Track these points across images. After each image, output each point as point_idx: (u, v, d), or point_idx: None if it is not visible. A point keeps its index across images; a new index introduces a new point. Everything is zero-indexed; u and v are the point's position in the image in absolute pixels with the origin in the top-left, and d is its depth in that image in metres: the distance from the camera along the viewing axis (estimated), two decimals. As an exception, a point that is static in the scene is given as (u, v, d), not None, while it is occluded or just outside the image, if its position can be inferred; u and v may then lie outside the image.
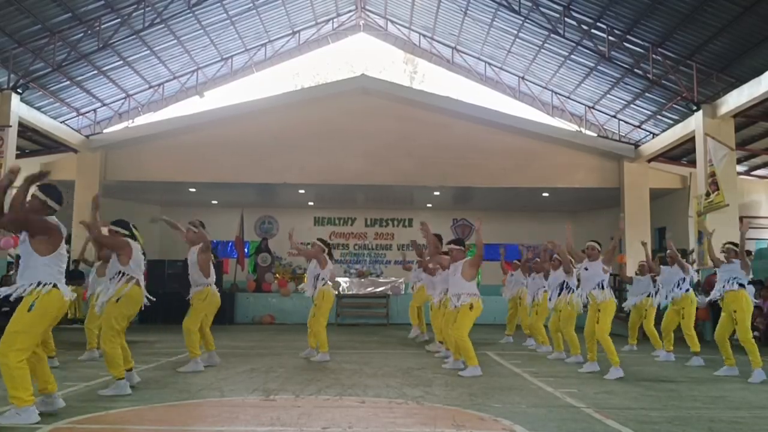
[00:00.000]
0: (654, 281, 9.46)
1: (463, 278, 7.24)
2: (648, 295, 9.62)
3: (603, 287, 7.23)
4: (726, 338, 7.30)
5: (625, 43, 13.71)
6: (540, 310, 9.72)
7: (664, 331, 8.97)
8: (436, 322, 9.31)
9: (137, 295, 5.76)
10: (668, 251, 9.02)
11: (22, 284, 4.46)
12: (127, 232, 5.90)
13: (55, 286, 4.49)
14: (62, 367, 7.17)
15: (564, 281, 8.54)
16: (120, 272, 5.71)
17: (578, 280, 8.12)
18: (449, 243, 7.82)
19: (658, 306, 9.36)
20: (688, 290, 8.73)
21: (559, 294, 8.55)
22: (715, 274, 10.98)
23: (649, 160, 15.65)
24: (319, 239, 8.66)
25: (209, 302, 7.35)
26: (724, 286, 7.20)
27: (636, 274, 10.13)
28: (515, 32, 16.05)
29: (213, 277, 7.43)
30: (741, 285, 7.10)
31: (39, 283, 4.43)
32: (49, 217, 4.62)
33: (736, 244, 7.36)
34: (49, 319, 4.55)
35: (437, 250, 8.56)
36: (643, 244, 9.65)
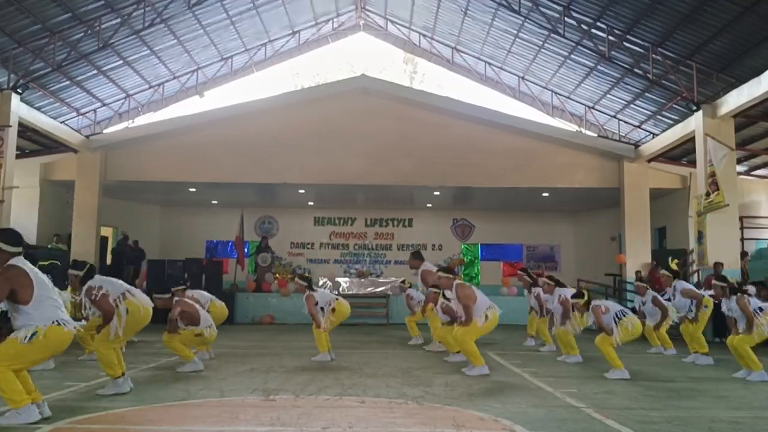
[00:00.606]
0: (660, 306, 9.41)
1: (466, 307, 7.17)
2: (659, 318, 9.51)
3: (619, 319, 7.20)
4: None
5: (625, 43, 13.71)
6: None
7: (684, 334, 8.89)
8: (436, 324, 9.37)
9: (135, 310, 5.71)
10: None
11: (24, 328, 4.37)
12: (81, 273, 5.82)
13: (55, 323, 4.42)
14: (62, 367, 7.17)
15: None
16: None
17: None
18: (438, 271, 7.84)
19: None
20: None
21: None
22: (713, 274, 11.04)
23: (649, 160, 15.65)
24: (298, 276, 8.59)
25: (200, 341, 7.53)
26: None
27: (636, 292, 10.06)
28: (515, 32, 16.06)
29: (207, 321, 7.53)
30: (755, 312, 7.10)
31: (37, 327, 4.35)
32: (14, 262, 4.45)
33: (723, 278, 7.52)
34: (47, 354, 4.52)
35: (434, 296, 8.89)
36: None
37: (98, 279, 5.82)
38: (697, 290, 8.95)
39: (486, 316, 7.11)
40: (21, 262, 4.49)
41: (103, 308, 5.63)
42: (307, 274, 8.74)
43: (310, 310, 8.09)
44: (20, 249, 4.56)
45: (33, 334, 4.32)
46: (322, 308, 8.17)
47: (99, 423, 4.44)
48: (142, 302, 5.82)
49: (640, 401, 5.48)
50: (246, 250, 17.60)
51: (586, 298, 7.59)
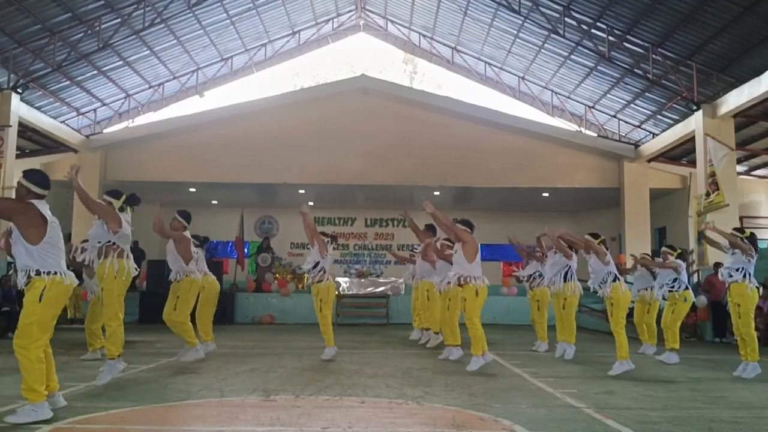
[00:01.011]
0: (654, 275, 9.38)
1: (465, 258, 7.31)
2: (648, 289, 9.49)
3: (607, 281, 7.27)
4: (751, 329, 7.22)
5: (625, 43, 13.72)
6: (541, 305, 9.60)
7: (663, 327, 8.91)
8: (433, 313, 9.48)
9: (128, 269, 5.92)
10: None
11: (22, 272, 4.46)
12: (118, 202, 6.05)
13: (56, 273, 4.48)
14: (62, 367, 7.15)
15: (567, 266, 8.52)
16: (111, 242, 5.86)
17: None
18: (456, 221, 7.92)
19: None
20: (682, 288, 8.63)
21: (564, 280, 8.52)
22: (713, 274, 11.02)
23: (649, 160, 15.66)
24: (321, 233, 8.64)
25: (194, 292, 7.53)
26: (730, 275, 7.10)
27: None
28: (515, 32, 16.06)
29: (195, 266, 7.53)
30: (745, 275, 7.02)
31: (39, 272, 4.41)
32: (36, 202, 4.55)
33: (739, 230, 7.36)
34: (58, 307, 4.56)
35: (427, 237, 9.18)
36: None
37: (125, 216, 6.03)
38: (680, 272, 8.85)
39: (476, 292, 7.19)
40: (41, 205, 4.57)
41: (99, 210, 5.85)
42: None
43: (312, 230, 8.26)
44: (45, 192, 4.67)
45: (42, 290, 4.37)
46: (322, 268, 8.14)
47: (99, 423, 4.44)
48: (128, 266, 5.97)
49: (640, 401, 5.48)
50: (246, 250, 17.60)
51: (602, 238, 7.63)
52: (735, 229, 7.48)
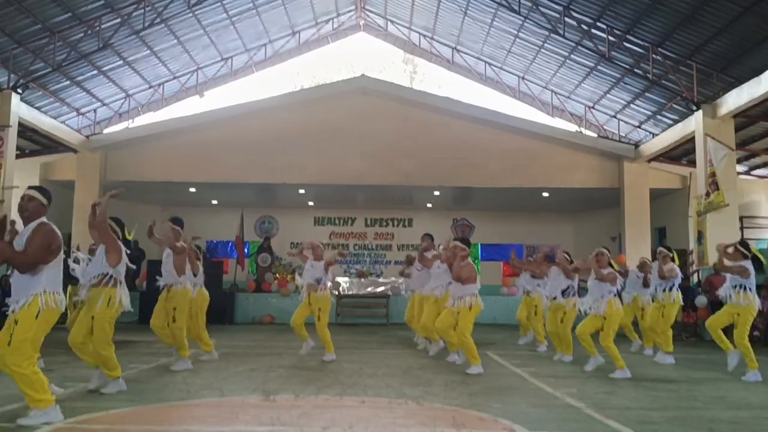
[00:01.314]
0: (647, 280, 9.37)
1: (460, 282, 7.26)
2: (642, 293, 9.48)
3: (604, 298, 7.19)
4: (719, 329, 7.22)
5: (625, 43, 13.71)
6: (538, 310, 9.73)
7: (649, 329, 8.93)
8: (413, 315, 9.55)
9: (122, 300, 5.68)
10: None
11: (26, 294, 4.34)
12: (119, 230, 5.82)
13: (55, 293, 4.45)
14: (62, 367, 7.16)
15: (569, 285, 8.52)
16: (108, 275, 5.54)
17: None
18: (456, 221, 7.93)
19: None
20: (674, 290, 8.60)
21: (565, 296, 8.50)
22: (713, 274, 11.00)
23: (649, 160, 15.65)
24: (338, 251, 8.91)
25: (188, 302, 7.42)
26: (732, 290, 7.05)
27: (637, 267, 10.03)
28: (515, 32, 16.05)
29: (188, 276, 7.46)
30: (749, 289, 6.98)
31: (44, 291, 4.36)
32: (46, 220, 4.53)
33: (744, 245, 7.30)
34: (50, 326, 4.53)
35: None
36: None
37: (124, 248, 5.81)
38: (677, 278, 8.79)
39: (470, 306, 7.17)
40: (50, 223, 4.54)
41: (109, 240, 5.55)
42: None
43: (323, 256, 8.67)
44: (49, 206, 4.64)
45: (38, 310, 4.32)
46: (325, 282, 8.37)
47: (99, 423, 4.44)
48: (122, 296, 5.68)
49: (640, 401, 5.48)
50: (246, 250, 17.61)
51: (609, 257, 7.51)
52: (741, 243, 7.40)
